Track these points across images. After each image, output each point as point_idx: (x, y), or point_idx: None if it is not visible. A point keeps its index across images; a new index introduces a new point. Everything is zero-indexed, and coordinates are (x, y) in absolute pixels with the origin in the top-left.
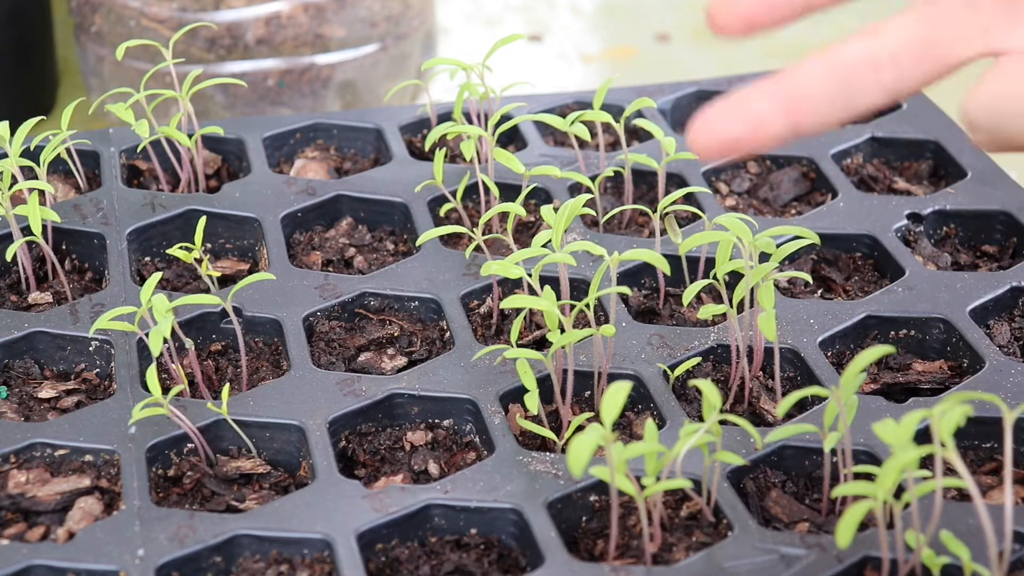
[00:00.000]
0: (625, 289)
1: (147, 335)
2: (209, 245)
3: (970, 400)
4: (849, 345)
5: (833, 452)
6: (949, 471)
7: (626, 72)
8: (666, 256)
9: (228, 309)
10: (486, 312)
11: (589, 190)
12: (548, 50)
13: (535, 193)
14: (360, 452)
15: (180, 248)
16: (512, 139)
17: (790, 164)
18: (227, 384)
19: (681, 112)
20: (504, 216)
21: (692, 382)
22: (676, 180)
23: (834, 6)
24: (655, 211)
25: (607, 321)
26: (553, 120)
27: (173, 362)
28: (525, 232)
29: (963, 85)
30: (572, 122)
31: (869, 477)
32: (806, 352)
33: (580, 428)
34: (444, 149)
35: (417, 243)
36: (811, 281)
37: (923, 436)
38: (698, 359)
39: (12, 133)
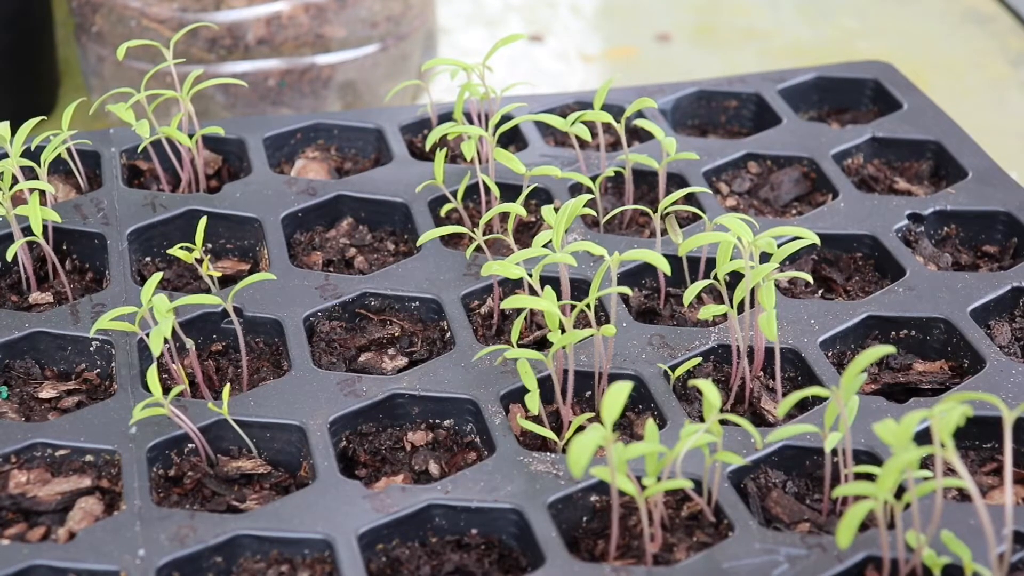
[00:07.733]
0: (626, 289)
1: (148, 335)
2: (210, 245)
3: (970, 400)
4: (850, 345)
5: (834, 452)
6: (950, 471)
7: (626, 72)
8: (667, 256)
9: (229, 309)
10: (487, 312)
11: (590, 190)
12: (548, 50)
13: (536, 193)
14: (361, 452)
15: (181, 248)
16: (513, 139)
17: (791, 164)
18: (228, 384)
19: (681, 112)
20: (505, 216)
21: (693, 382)
22: (677, 180)
23: None
24: (656, 211)
25: (608, 321)
26: (554, 120)
27: (174, 362)
28: (526, 232)
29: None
30: (573, 122)
31: (870, 477)
32: (807, 352)
33: (581, 428)
34: (445, 149)
35: (418, 243)
36: (812, 281)
37: (923, 436)
38: (699, 359)
39: (13, 133)
